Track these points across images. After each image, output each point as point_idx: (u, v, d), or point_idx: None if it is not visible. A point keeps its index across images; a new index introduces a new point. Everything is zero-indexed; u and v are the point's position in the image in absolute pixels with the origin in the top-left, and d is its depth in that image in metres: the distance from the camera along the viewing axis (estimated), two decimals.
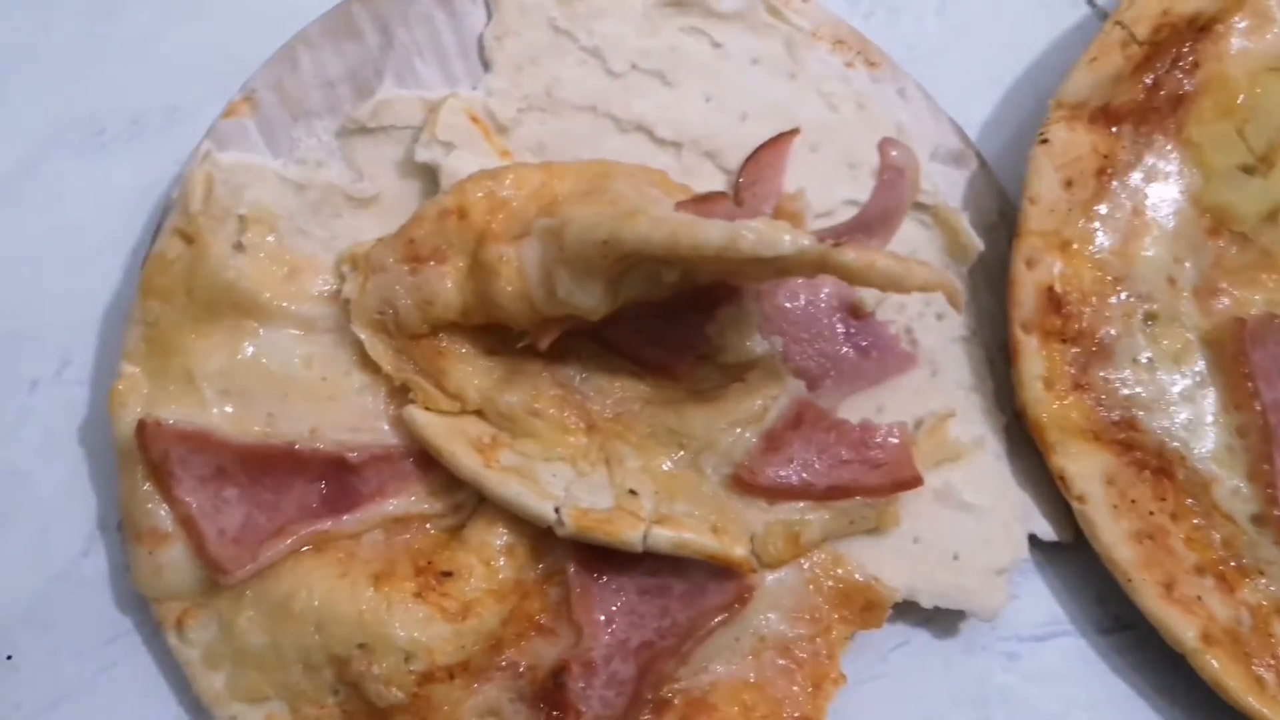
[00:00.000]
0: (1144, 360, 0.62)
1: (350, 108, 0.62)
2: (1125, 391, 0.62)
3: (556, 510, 0.55)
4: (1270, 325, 0.62)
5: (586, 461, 0.57)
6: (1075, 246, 0.62)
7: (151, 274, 0.58)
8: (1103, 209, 0.63)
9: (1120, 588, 0.60)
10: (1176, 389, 0.62)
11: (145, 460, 0.56)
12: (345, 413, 0.58)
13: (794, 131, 0.63)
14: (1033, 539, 0.62)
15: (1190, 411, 0.62)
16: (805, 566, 0.58)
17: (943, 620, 0.63)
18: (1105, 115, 0.63)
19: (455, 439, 0.56)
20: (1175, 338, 0.63)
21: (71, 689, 0.60)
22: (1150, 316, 0.63)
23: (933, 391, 0.63)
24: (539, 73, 0.62)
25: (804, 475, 0.57)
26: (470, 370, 0.58)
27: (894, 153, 0.48)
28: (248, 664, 0.56)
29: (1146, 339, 0.62)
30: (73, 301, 0.64)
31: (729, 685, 0.57)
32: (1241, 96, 0.63)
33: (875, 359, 0.62)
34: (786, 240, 0.46)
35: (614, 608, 0.56)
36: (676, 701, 0.57)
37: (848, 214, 0.63)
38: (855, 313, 0.62)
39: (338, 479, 0.57)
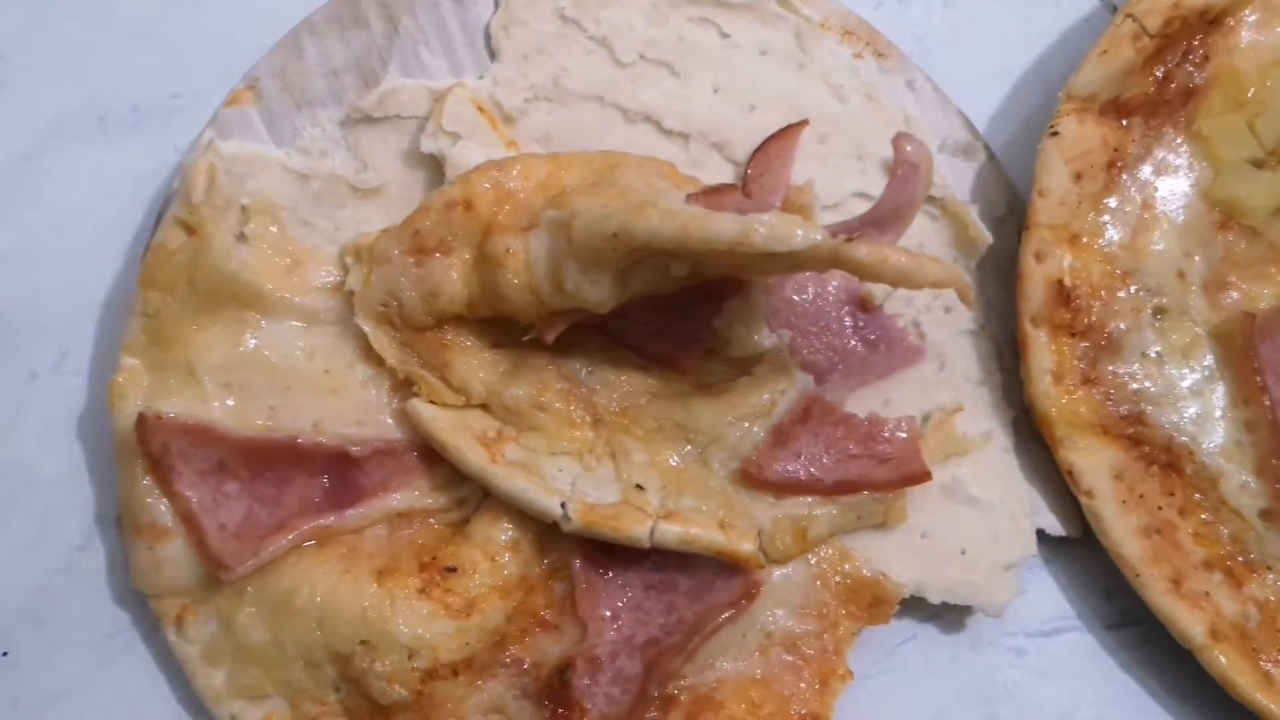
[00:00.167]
0: (1153, 354, 0.62)
1: (355, 97, 0.61)
2: (1134, 386, 0.62)
3: (563, 505, 0.54)
4: (1278, 320, 0.61)
5: (593, 456, 0.56)
6: (1085, 240, 0.62)
7: (152, 265, 0.57)
8: (1112, 202, 0.62)
9: (1128, 583, 0.60)
10: (1185, 384, 0.62)
11: (145, 454, 0.56)
12: (348, 406, 0.58)
13: (803, 123, 0.62)
14: (1040, 534, 0.62)
15: (1199, 406, 0.62)
16: (812, 562, 0.58)
17: (950, 616, 0.63)
18: (1115, 108, 0.62)
19: (460, 433, 0.56)
20: (1184, 332, 0.62)
21: (69, 686, 0.59)
22: (1159, 311, 0.62)
23: (941, 385, 0.62)
24: (546, 62, 0.62)
25: (812, 470, 0.57)
26: (475, 363, 0.57)
27: (908, 147, 0.48)
28: (248, 661, 0.56)
29: (1155, 333, 0.62)
30: (72, 292, 0.63)
31: (736, 682, 0.57)
32: (1252, 90, 0.63)
33: (883, 352, 0.61)
34: (799, 235, 0.46)
35: (620, 604, 0.56)
36: (683, 698, 0.57)
37: (856, 206, 0.62)
38: (863, 306, 0.61)
39: (340, 473, 0.57)
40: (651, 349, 0.58)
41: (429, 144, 0.60)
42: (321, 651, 0.55)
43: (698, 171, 0.61)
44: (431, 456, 0.57)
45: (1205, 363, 0.62)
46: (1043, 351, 0.61)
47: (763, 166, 0.62)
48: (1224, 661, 0.58)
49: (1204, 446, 0.61)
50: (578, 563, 0.56)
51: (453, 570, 0.56)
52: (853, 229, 0.48)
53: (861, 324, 0.61)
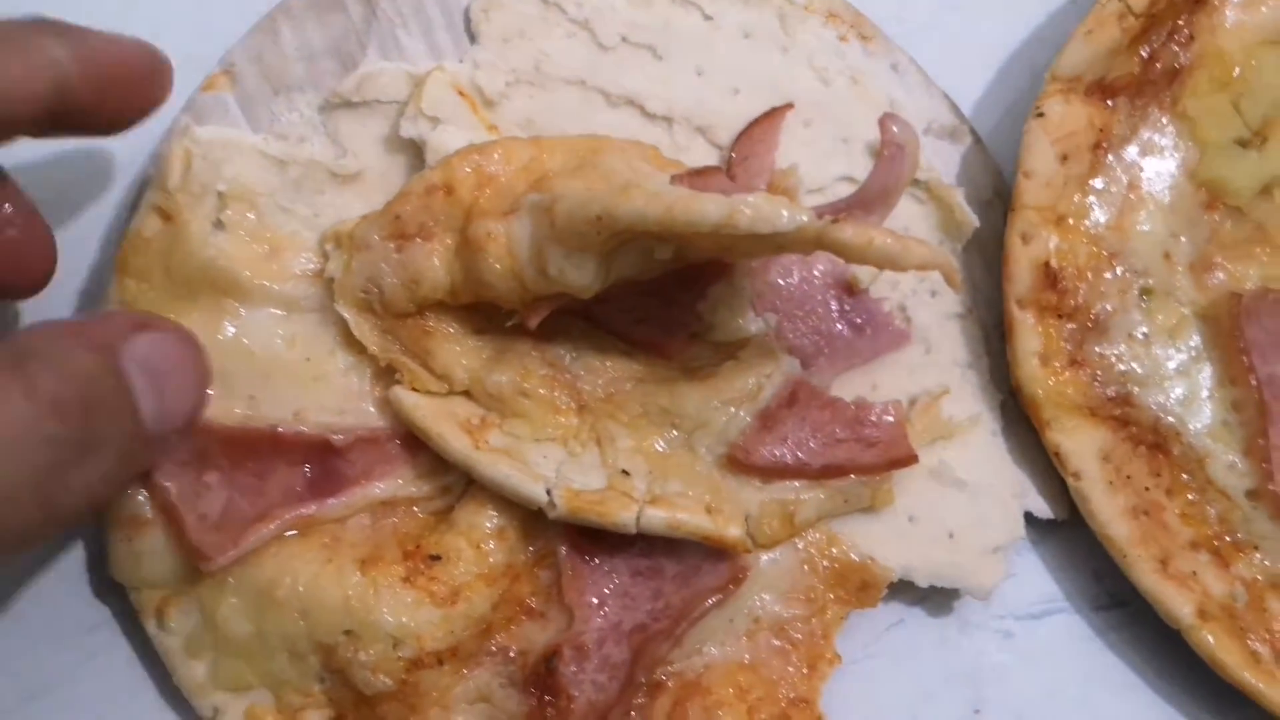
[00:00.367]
0: (1140, 335, 0.62)
1: (333, 81, 0.60)
2: (1121, 367, 0.61)
3: (548, 492, 0.54)
4: (1265, 300, 0.61)
5: (578, 442, 0.56)
6: (1071, 221, 0.62)
7: (128, 253, 0.57)
8: (1098, 183, 0.62)
9: (1116, 564, 0.60)
10: (1172, 364, 0.62)
11: None
12: (330, 394, 0.57)
13: (787, 106, 0.62)
14: (1028, 516, 0.62)
15: (1185, 387, 0.62)
16: (800, 547, 0.58)
17: (937, 599, 0.62)
18: (1101, 89, 0.62)
19: (443, 420, 0.55)
20: (1171, 313, 0.62)
21: (50, 681, 0.58)
22: (1146, 292, 0.62)
23: (927, 369, 0.62)
24: (527, 45, 0.61)
25: (798, 454, 0.56)
26: (458, 350, 0.56)
27: (895, 128, 0.48)
28: (230, 652, 0.55)
29: (1142, 314, 0.62)
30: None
31: (723, 667, 0.57)
32: (1237, 70, 0.63)
33: (869, 336, 0.61)
34: (785, 216, 0.45)
35: (606, 590, 0.55)
36: (670, 684, 0.56)
37: (841, 189, 0.62)
38: (849, 290, 0.61)
39: (322, 462, 0.56)
40: (636, 335, 0.58)
41: (409, 128, 0.59)
42: (305, 642, 0.54)
43: (681, 156, 0.61)
44: (415, 445, 0.57)
45: (1192, 343, 0.62)
46: (1029, 334, 0.61)
47: (747, 150, 0.61)
48: (1212, 641, 0.58)
49: (1191, 427, 0.61)
50: (564, 550, 0.55)
51: (437, 558, 0.55)
52: (839, 210, 0.48)
53: (847, 308, 0.61)
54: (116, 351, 0.46)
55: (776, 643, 0.57)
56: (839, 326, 0.61)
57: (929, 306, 0.63)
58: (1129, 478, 0.60)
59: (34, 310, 0.62)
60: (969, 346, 0.63)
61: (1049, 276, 0.61)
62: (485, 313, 0.56)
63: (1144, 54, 0.62)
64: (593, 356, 0.57)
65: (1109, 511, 0.59)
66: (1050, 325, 0.61)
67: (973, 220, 0.63)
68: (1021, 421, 0.62)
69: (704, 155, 0.62)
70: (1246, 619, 0.59)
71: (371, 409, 0.57)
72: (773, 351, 0.58)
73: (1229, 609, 0.59)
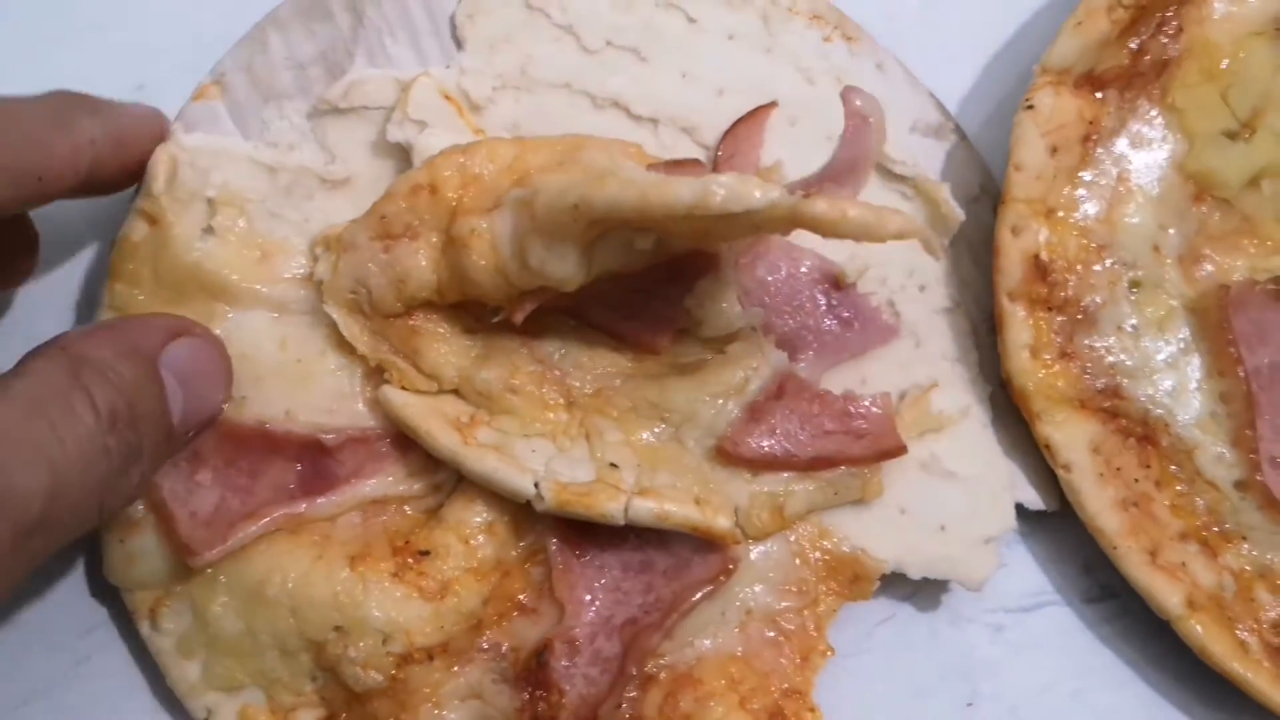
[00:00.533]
0: (1129, 328, 0.62)
1: (322, 89, 0.61)
2: (1110, 359, 0.61)
3: (536, 485, 0.54)
4: (1252, 291, 0.61)
5: (566, 437, 0.56)
6: (1060, 214, 0.62)
7: (118, 258, 0.57)
8: (1088, 175, 0.62)
9: (1106, 556, 0.59)
10: (1161, 356, 0.62)
11: None
12: (321, 394, 0.57)
13: (771, 104, 0.62)
14: (1019, 508, 0.62)
15: (1174, 378, 0.62)
16: (791, 539, 0.58)
17: (929, 593, 0.62)
18: (1090, 81, 0.62)
19: (432, 418, 0.56)
20: (1159, 305, 0.62)
21: (45, 684, 0.59)
22: (1135, 284, 0.62)
23: (917, 363, 0.62)
24: (512, 50, 0.62)
25: (787, 446, 0.56)
26: (446, 349, 0.57)
27: (857, 101, 0.48)
28: (222, 652, 0.55)
29: (1131, 306, 0.62)
30: (41, 287, 0.63)
31: (715, 659, 0.57)
32: (1225, 61, 0.63)
33: (857, 330, 0.61)
34: (757, 194, 0.45)
35: (597, 585, 0.55)
36: (662, 677, 0.56)
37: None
38: (836, 284, 0.61)
39: (313, 461, 0.57)
40: (624, 331, 0.58)
41: (396, 133, 0.59)
42: (295, 639, 0.55)
43: (667, 156, 0.61)
44: (405, 443, 0.57)
45: (1181, 335, 0.62)
46: (1020, 326, 0.61)
47: (732, 149, 0.62)
48: (1201, 631, 0.58)
49: (1180, 419, 0.61)
50: (554, 544, 0.56)
51: (425, 554, 0.55)
52: (810, 185, 0.48)
53: (835, 302, 0.61)
54: (156, 360, 0.49)
55: (769, 634, 0.57)
56: (827, 321, 0.61)
57: (918, 301, 0.63)
58: (1119, 469, 0.60)
59: (36, 319, 0.62)
60: (958, 340, 0.63)
61: (1039, 269, 0.61)
62: (474, 313, 0.57)
63: (1133, 46, 0.63)
64: (581, 353, 0.57)
65: (1099, 503, 0.59)
66: (1040, 318, 0.61)
67: (959, 215, 0.63)
68: (1011, 414, 0.62)
69: (690, 155, 0.62)
70: (1235, 609, 0.59)
71: (362, 408, 0.58)
72: (760, 345, 0.58)
73: (1217, 599, 0.59)
